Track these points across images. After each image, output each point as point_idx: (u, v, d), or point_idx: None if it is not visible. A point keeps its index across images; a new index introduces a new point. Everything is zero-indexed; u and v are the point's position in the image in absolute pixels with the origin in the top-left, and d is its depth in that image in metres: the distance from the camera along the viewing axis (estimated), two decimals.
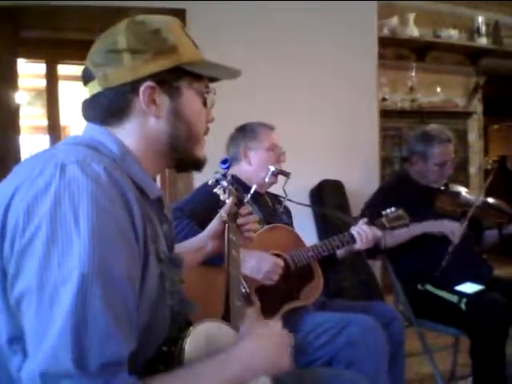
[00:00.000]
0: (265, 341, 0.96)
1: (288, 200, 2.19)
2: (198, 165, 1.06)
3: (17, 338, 0.79)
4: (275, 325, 1.03)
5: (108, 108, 0.94)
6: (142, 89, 0.92)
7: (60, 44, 3.64)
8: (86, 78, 0.97)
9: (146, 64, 0.92)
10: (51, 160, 0.83)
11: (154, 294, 0.90)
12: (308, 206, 2.43)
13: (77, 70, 5.11)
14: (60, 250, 0.75)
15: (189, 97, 0.99)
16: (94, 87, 0.95)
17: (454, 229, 2.41)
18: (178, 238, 1.65)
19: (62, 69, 4.17)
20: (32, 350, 0.76)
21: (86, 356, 0.74)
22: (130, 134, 0.95)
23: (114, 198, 0.82)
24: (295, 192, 2.19)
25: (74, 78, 5.39)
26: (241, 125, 2.20)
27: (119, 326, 0.78)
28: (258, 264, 1.78)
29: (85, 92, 0.98)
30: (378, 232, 2.04)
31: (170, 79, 0.96)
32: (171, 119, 0.96)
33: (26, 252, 0.77)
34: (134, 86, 0.93)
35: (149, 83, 0.93)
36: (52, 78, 3.81)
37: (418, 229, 2.42)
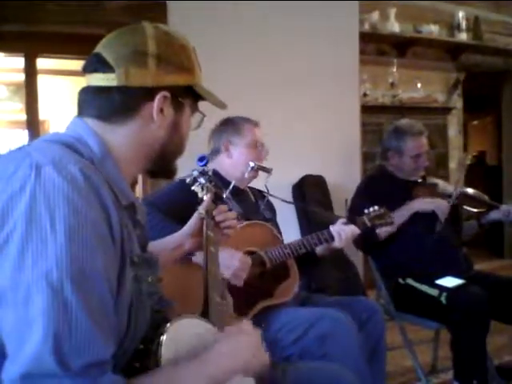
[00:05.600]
0: (237, 341, 0.98)
1: (270, 196, 2.18)
2: (172, 174, 1.12)
3: None
4: (245, 325, 1.04)
5: (118, 105, 0.95)
6: (158, 97, 0.96)
7: (39, 37, 3.58)
8: (95, 66, 0.95)
9: (167, 74, 0.97)
10: (26, 159, 0.81)
11: (131, 297, 0.89)
12: (290, 202, 2.41)
13: (56, 63, 5.03)
14: (35, 251, 0.74)
15: (187, 115, 1.05)
16: (107, 80, 0.93)
17: (443, 208, 2.48)
18: (153, 232, 1.63)
19: (41, 62, 4.10)
20: (12, 352, 0.74)
21: (69, 356, 0.73)
22: (126, 134, 0.96)
23: (91, 199, 0.81)
24: (277, 187, 2.18)
25: (53, 72, 5.29)
26: (225, 118, 2.15)
27: (100, 325, 0.77)
28: (227, 261, 1.73)
29: (88, 80, 0.96)
30: (357, 230, 2.04)
31: (180, 95, 1.01)
32: (169, 131, 1.01)
33: (0, 253, 0.75)
34: (150, 92, 0.95)
35: (165, 93, 0.97)
36: (31, 71, 3.74)
37: (413, 206, 2.49)
